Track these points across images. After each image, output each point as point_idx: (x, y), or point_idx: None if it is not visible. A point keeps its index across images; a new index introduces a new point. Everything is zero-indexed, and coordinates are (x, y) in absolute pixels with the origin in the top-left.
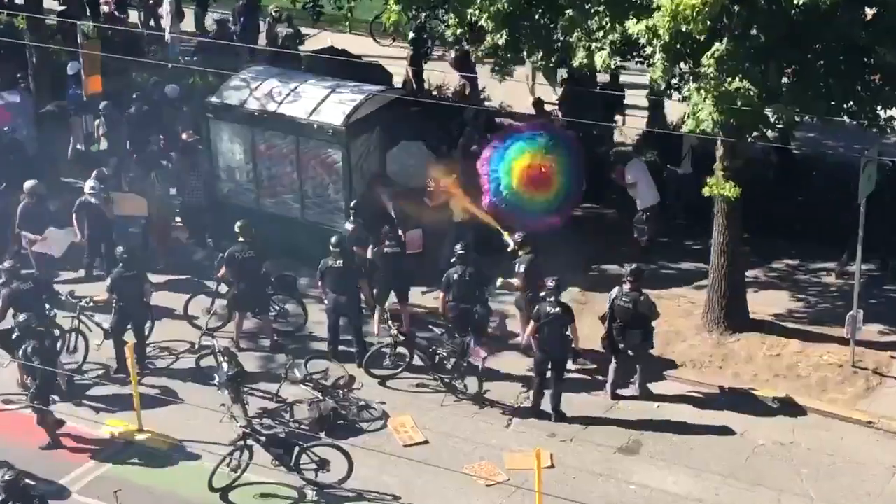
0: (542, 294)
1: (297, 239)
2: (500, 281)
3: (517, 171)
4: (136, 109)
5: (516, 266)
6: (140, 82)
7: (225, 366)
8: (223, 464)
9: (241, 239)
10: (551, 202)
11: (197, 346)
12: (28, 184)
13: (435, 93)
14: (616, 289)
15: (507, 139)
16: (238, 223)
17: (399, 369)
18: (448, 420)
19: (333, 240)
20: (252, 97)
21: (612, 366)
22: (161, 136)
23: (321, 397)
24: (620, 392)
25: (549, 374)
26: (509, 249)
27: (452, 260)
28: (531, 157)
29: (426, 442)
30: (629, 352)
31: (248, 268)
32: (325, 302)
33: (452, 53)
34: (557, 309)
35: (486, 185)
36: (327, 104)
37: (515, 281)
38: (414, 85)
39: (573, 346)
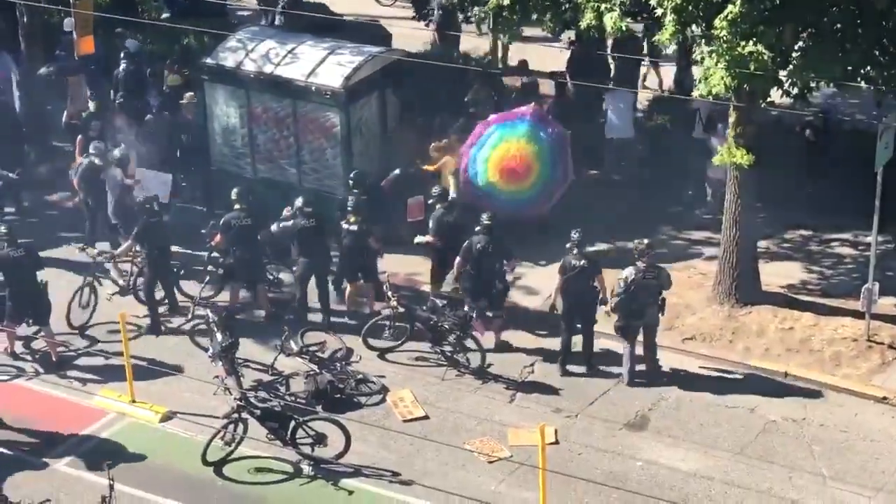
0: (567, 246)
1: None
2: (417, 238)
3: (494, 161)
4: (125, 70)
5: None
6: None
7: (219, 336)
8: (217, 437)
9: (237, 206)
10: (526, 194)
11: (190, 316)
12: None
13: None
14: (629, 269)
15: (496, 124)
16: (234, 189)
17: (399, 342)
18: (449, 395)
19: (299, 201)
20: (248, 59)
21: (628, 350)
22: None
23: (318, 370)
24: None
25: (577, 325)
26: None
27: (477, 228)
28: (509, 147)
29: (426, 417)
30: (645, 329)
31: (245, 236)
32: (295, 268)
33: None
34: (583, 262)
35: (465, 165)
36: (326, 66)
37: (428, 238)
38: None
39: (601, 296)
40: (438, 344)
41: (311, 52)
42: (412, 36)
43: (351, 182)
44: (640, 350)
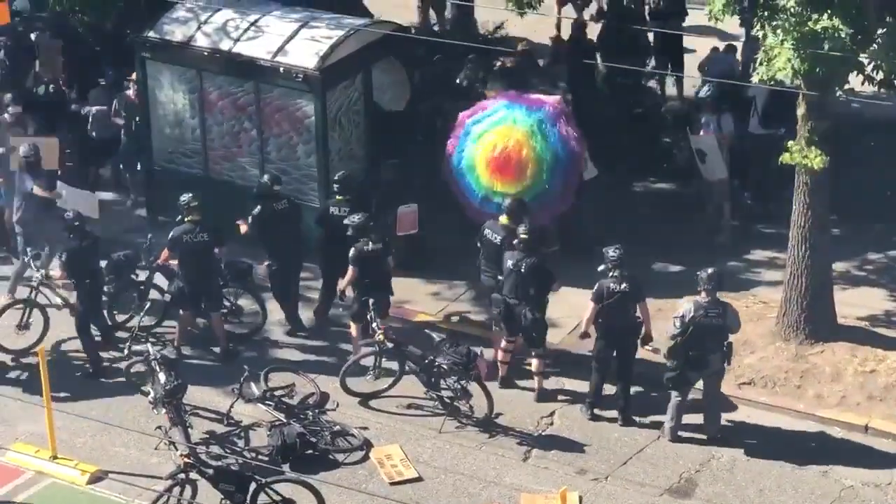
0: (602, 268)
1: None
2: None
3: (485, 146)
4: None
5: None
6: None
7: (162, 377)
8: (159, 502)
9: (188, 218)
10: (533, 189)
11: (126, 353)
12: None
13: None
14: (688, 305)
15: (506, 101)
16: (184, 197)
17: (386, 385)
18: (448, 451)
19: (266, 178)
20: (201, 32)
21: (675, 401)
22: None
23: (285, 420)
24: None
25: (612, 365)
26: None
27: (515, 241)
28: (507, 134)
29: (419, 479)
30: (705, 380)
31: (199, 254)
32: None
33: None
34: (624, 285)
35: (451, 149)
36: (297, 42)
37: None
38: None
39: (644, 330)
40: (435, 388)
41: (279, 25)
42: (403, 5)
43: (336, 186)
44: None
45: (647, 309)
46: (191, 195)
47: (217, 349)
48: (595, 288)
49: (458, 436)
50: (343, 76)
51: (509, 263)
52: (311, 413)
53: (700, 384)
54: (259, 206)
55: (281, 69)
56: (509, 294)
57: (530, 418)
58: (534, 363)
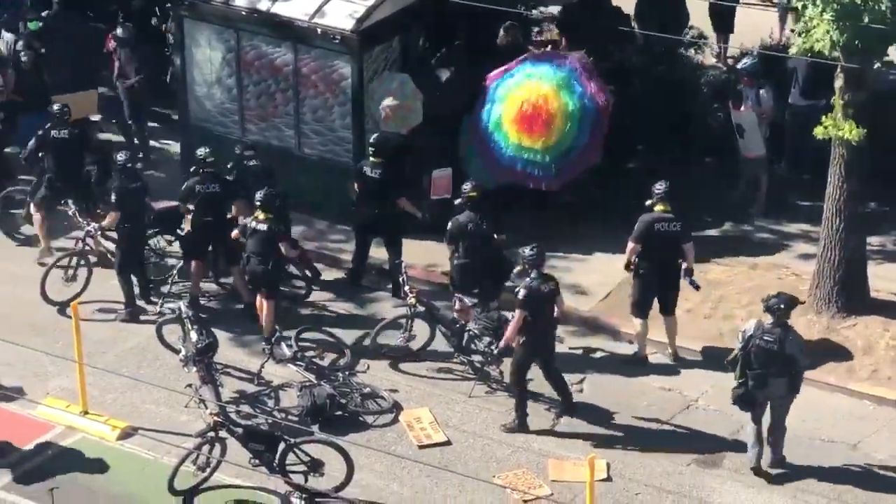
0: (518, 270)
1: (292, 177)
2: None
3: (511, 101)
4: None
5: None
6: None
7: (193, 335)
8: (188, 460)
9: (203, 170)
10: (539, 155)
11: (158, 309)
12: None
13: None
14: (752, 323)
15: (530, 60)
16: (200, 150)
17: (417, 349)
18: (477, 416)
19: (201, 151)
20: None
21: (752, 429)
22: None
23: (315, 381)
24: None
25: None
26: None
27: (458, 202)
28: (532, 89)
29: (448, 443)
30: (768, 406)
31: (212, 205)
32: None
33: None
34: (551, 284)
35: (477, 111)
36: (335, 3)
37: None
38: None
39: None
40: (465, 352)
41: None
42: None
43: (371, 148)
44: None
45: (563, 300)
46: (208, 149)
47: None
48: (520, 295)
49: (488, 401)
50: (380, 39)
51: (469, 226)
52: (341, 374)
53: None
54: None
55: (318, 30)
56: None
57: None
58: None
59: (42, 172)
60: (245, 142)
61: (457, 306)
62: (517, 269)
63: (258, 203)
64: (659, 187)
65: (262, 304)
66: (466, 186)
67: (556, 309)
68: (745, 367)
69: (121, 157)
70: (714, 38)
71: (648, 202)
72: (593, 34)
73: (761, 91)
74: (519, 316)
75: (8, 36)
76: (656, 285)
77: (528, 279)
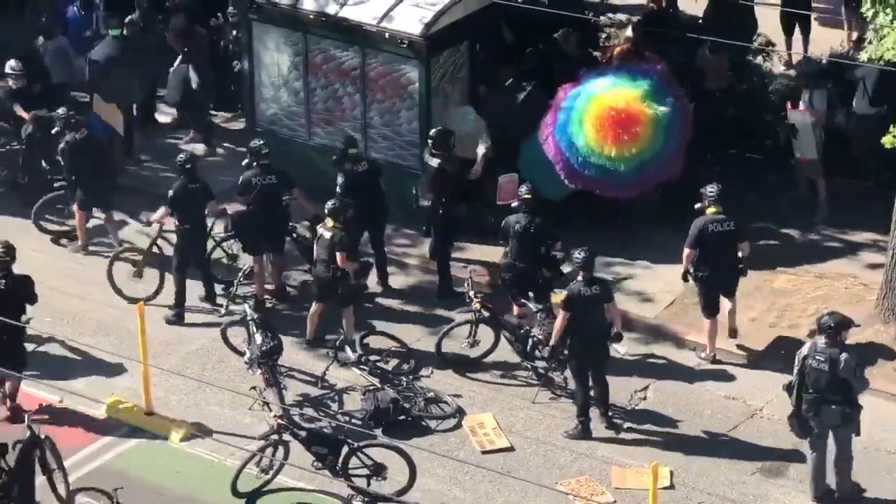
0: (568, 271)
1: None
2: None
3: (594, 110)
4: None
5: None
6: None
7: (258, 338)
8: (251, 462)
9: (258, 162)
10: (627, 163)
11: (223, 311)
12: None
13: None
14: (807, 344)
15: (599, 74)
16: (254, 142)
17: (481, 354)
18: (540, 422)
19: (255, 144)
20: None
21: (810, 459)
22: None
23: (379, 385)
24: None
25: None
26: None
27: (515, 203)
28: (619, 97)
29: (511, 448)
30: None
31: (268, 197)
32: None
33: None
34: (592, 288)
35: (552, 119)
36: (403, 8)
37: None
38: None
39: (614, 330)
40: (529, 358)
41: None
42: None
43: (430, 141)
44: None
45: (617, 309)
46: (262, 141)
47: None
48: (564, 296)
49: (551, 406)
50: (447, 43)
51: (516, 226)
52: (405, 379)
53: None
54: (341, 177)
55: (386, 35)
56: (516, 257)
57: (624, 392)
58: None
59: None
60: (361, 155)
61: (516, 311)
62: (568, 270)
63: (327, 211)
64: (711, 190)
65: (316, 308)
66: (522, 189)
67: (606, 313)
68: (801, 390)
69: (181, 157)
70: (784, 43)
71: (698, 206)
72: (666, 41)
73: (815, 93)
74: (561, 317)
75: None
76: (720, 284)
77: (573, 282)
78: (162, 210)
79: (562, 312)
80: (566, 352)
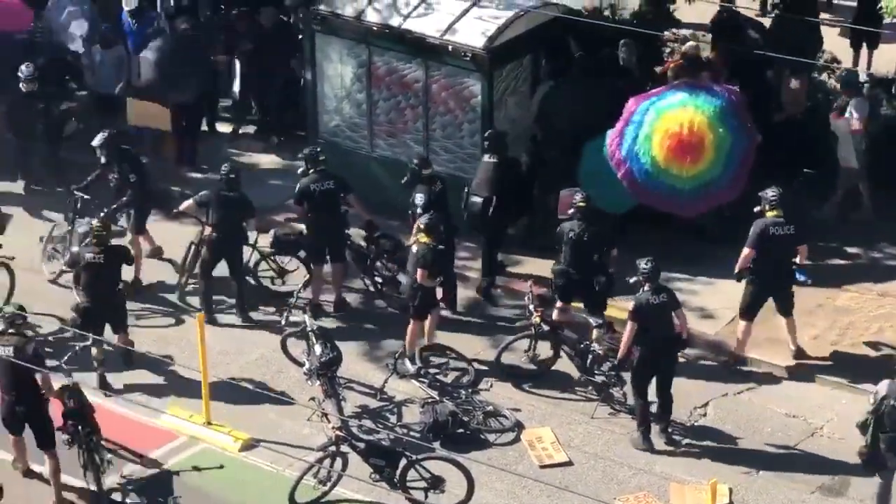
0: (634, 280)
1: None
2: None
3: (660, 135)
4: None
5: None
6: None
7: (318, 349)
8: (309, 473)
9: (315, 168)
10: (688, 183)
11: (283, 323)
12: None
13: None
14: (885, 383)
15: (676, 89)
16: (308, 149)
17: (540, 368)
18: (599, 437)
19: (310, 150)
20: (371, 7)
21: (878, 489)
22: None
23: (438, 398)
24: None
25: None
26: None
27: (570, 211)
28: (690, 119)
29: (569, 463)
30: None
31: (326, 203)
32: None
33: None
34: (659, 296)
35: (620, 130)
36: (466, 21)
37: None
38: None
39: (683, 337)
40: (589, 373)
41: (449, 4)
42: None
43: (486, 143)
44: None
45: (684, 315)
46: (318, 147)
47: (371, 325)
48: (633, 305)
49: (610, 422)
50: (510, 57)
51: (571, 234)
52: (464, 392)
53: None
54: (420, 195)
55: (449, 47)
56: (570, 264)
57: (684, 408)
58: (595, 332)
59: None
60: (435, 174)
61: (555, 315)
62: (632, 280)
63: (423, 227)
64: (771, 194)
65: (412, 325)
66: (577, 197)
67: (675, 322)
68: (878, 429)
69: (225, 167)
70: (852, 58)
71: (758, 208)
72: (733, 56)
73: (855, 101)
74: (629, 328)
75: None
76: (772, 289)
77: (640, 292)
78: (189, 202)
79: (630, 323)
80: (634, 363)
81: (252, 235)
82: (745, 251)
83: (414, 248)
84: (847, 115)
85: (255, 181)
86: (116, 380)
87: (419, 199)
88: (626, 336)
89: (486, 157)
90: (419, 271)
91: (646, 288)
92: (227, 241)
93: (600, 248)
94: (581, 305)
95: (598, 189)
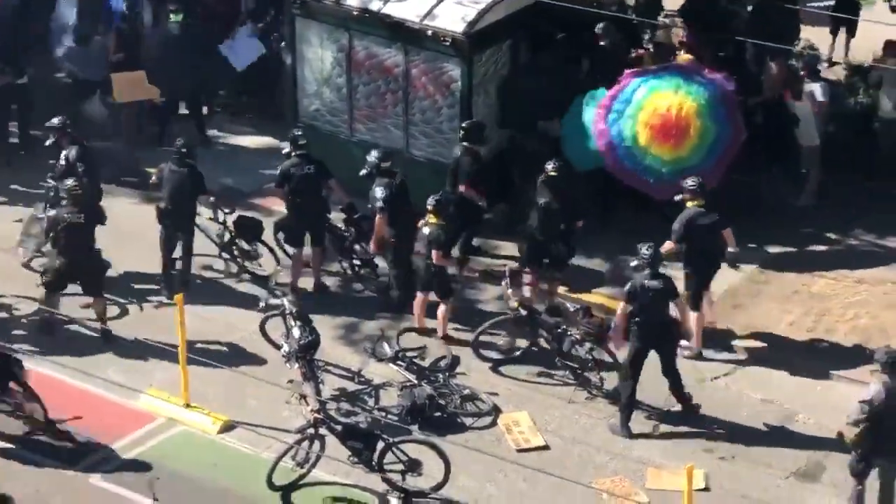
0: (634, 264)
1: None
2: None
3: (642, 120)
4: None
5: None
6: None
7: (296, 332)
8: (287, 455)
9: (296, 152)
10: (688, 161)
11: (262, 305)
12: None
13: None
14: (875, 387)
15: (639, 76)
16: (291, 133)
17: (517, 352)
18: (576, 422)
19: (294, 133)
20: None
21: (856, 491)
22: None
23: (416, 381)
24: None
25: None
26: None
27: (540, 179)
28: (659, 101)
29: (546, 447)
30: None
31: (307, 187)
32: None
33: None
34: (657, 282)
35: (602, 121)
36: (446, 5)
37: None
38: None
39: (681, 329)
40: (566, 357)
41: None
42: None
43: (462, 132)
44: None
45: (684, 306)
46: (300, 131)
47: (349, 304)
48: (626, 288)
49: (587, 406)
50: (490, 42)
51: (541, 202)
52: (441, 376)
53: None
54: (381, 188)
55: (429, 32)
56: (539, 231)
57: (660, 393)
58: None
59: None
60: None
61: (527, 284)
62: (633, 264)
63: (431, 207)
64: (690, 183)
65: (419, 299)
66: (549, 165)
67: (670, 308)
68: (872, 437)
69: (178, 141)
70: (829, 43)
71: (678, 198)
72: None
73: (816, 85)
74: (622, 308)
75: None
76: (708, 276)
77: (638, 275)
78: (153, 178)
79: (622, 304)
80: (630, 349)
81: (210, 212)
82: (668, 245)
83: (425, 231)
84: (808, 95)
85: (237, 161)
86: (94, 361)
87: (379, 192)
88: (619, 317)
89: (456, 149)
90: (434, 252)
91: (645, 272)
92: (178, 216)
93: (566, 218)
94: (565, 290)
95: (574, 143)
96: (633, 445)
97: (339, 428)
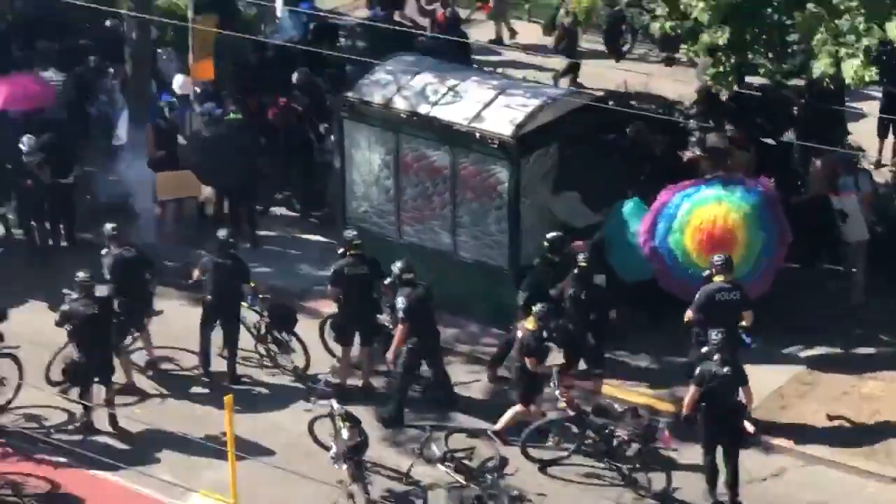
0: (705, 351)
1: (447, 280)
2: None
3: (693, 228)
4: None
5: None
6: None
7: (345, 433)
8: None
9: (350, 252)
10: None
11: (311, 405)
12: None
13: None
14: None
15: (678, 192)
16: (348, 233)
17: (566, 453)
18: None
19: (349, 234)
20: (399, 95)
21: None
22: None
23: (464, 482)
24: None
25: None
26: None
27: (575, 271)
28: (704, 214)
29: None
30: None
31: (359, 287)
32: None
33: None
34: (727, 369)
35: (651, 220)
36: (494, 109)
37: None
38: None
39: (747, 410)
40: (614, 458)
41: (477, 92)
42: (602, 76)
43: (546, 245)
44: None
45: (750, 391)
46: (354, 231)
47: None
48: (697, 373)
49: None
50: (538, 145)
51: (570, 291)
52: (490, 477)
53: None
54: (402, 299)
55: (477, 135)
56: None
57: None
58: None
59: None
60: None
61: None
62: (703, 350)
63: (533, 314)
64: (717, 259)
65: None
66: (580, 256)
67: (738, 395)
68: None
69: (221, 233)
70: (877, 146)
71: (706, 273)
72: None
73: (860, 175)
74: (692, 390)
75: None
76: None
77: (707, 361)
78: (196, 271)
79: (693, 387)
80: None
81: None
82: (688, 313)
83: (519, 334)
84: (850, 190)
85: (283, 262)
86: (141, 460)
87: (400, 302)
88: (689, 398)
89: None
90: (528, 359)
91: (714, 358)
92: (221, 308)
93: (598, 308)
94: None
95: (619, 254)
96: None
97: None
